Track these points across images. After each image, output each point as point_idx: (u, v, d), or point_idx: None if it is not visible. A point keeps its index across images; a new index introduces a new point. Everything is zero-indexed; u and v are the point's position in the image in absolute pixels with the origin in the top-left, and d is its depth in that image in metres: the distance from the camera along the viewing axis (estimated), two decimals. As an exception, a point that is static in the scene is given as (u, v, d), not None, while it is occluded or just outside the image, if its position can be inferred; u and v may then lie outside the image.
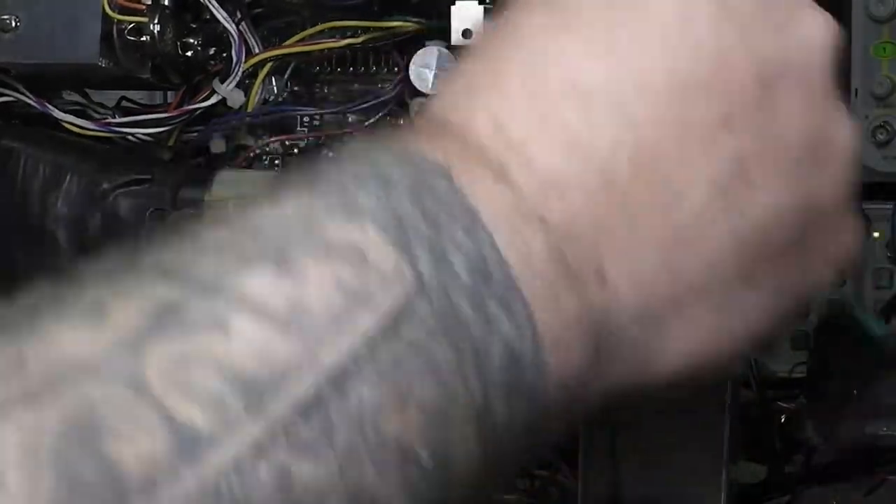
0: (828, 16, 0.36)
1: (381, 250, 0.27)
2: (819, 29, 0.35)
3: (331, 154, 0.31)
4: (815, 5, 0.36)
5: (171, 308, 0.25)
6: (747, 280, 0.34)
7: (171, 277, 0.26)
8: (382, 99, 0.62)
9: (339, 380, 0.25)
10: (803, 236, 0.35)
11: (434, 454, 0.26)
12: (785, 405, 0.66)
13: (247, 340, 0.25)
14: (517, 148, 0.31)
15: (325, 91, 0.65)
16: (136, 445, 0.23)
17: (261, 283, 0.26)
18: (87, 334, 0.25)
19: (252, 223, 0.28)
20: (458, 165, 0.30)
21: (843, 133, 0.36)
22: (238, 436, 0.24)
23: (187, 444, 0.23)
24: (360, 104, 0.62)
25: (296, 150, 0.65)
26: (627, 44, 0.32)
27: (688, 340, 0.33)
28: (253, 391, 0.24)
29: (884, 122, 0.68)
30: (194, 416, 0.24)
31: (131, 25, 0.58)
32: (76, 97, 0.64)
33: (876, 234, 0.67)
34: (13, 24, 0.57)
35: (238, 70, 0.61)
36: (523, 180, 0.30)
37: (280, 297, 0.26)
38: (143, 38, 0.58)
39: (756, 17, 0.34)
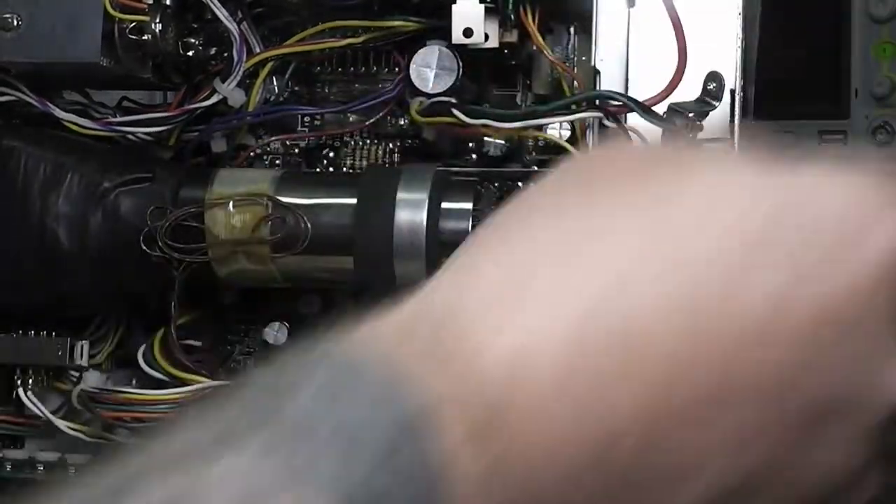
0: None
1: None
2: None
3: (298, 365, 0.27)
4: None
5: None
6: None
7: None
8: (383, 98, 0.62)
9: None
10: None
11: None
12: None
13: None
14: (520, 411, 0.27)
15: (326, 90, 0.65)
16: None
17: None
18: None
19: (193, 490, 0.25)
20: (444, 412, 0.26)
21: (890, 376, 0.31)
22: None
23: None
24: (360, 104, 0.63)
25: (296, 150, 0.65)
26: (685, 290, 0.28)
27: None
28: None
29: (884, 122, 0.68)
30: None
31: (133, 24, 0.58)
32: (77, 97, 0.64)
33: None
34: (15, 22, 0.57)
35: (239, 69, 0.61)
36: (503, 451, 0.27)
37: None
38: (145, 37, 0.58)
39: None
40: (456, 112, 0.57)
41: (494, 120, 0.58)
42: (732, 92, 0.55)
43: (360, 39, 0.61)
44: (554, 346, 0.27)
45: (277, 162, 0.65)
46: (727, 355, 0.28)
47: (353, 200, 0.58)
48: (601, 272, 0.28)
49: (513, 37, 0.59)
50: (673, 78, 0.53)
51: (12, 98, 0.61)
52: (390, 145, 0.64)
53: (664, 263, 0.28)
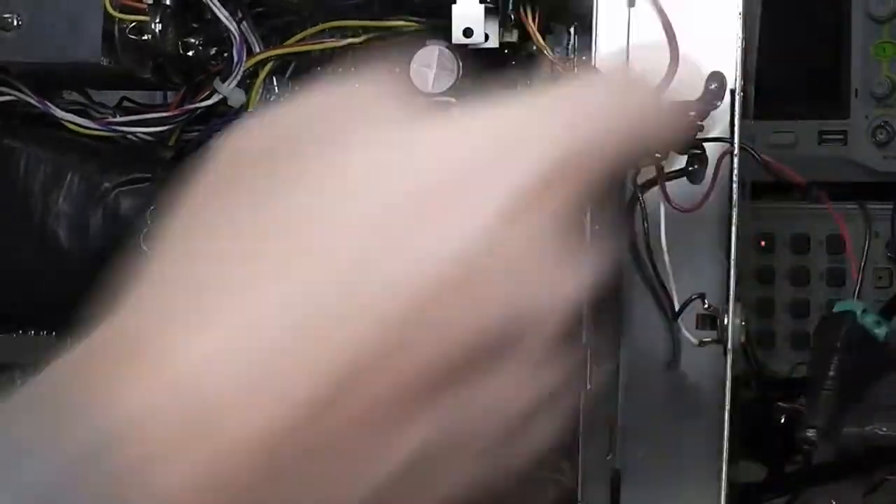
0: (588, 274, 0.33)
1: None
2: (572, 292, 0.32)
3: None
4: (577, 257, 0.32)
5: None
6: None
7: None
8: (383, 98, 0.62)
9: None
10: None
11: None
12: (785, 405, 0.66)
13: None
14: (212, 411, 0.29)
15: (326, 91, 0.65)
16: None
17: None
18: None
19: None
20: (139, 423, 0.29)
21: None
22: None
23: None
24: (360, 104, 0.62)
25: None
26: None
27: None
28: None
29: (884, 122, 0.68)
30: None
31: (133, 24, 0.58)
32: (77, 97, 0.64)
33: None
34: (15, 22, 0.57)
35: (239, 69, 0.61)
36: (207, 451, 0.29)
37: None
38: (145, 37, 0.58)
39: (507, 278, 0.30)
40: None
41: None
42: (732, 92, 0.55)
43: (361, 39, 0.61)
44: (223, 366, 0.29)
45: (277, 162, 0.65)
46: (380, 320, 0.30)
47: (354, 200, 0.58)
48: (242, 310, 0.30)
49: (513, 37, 0.59)
50: (662, 81, 0.53)
51: (12, 98, 0.61)
52: (390, 145, 0.64)
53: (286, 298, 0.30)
